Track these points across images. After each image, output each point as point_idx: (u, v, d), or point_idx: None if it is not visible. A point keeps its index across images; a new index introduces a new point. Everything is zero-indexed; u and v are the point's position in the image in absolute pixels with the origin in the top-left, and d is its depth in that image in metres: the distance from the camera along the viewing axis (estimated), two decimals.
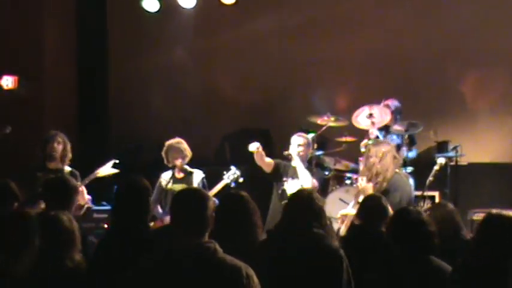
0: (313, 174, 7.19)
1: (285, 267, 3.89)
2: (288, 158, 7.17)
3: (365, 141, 7.99)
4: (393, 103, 8.44)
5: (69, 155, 6.81)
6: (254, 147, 7.00)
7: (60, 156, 6.74)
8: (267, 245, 4.07)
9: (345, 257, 3.95)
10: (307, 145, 7.19)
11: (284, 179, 7.12)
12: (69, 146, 6.82)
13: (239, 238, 3.97)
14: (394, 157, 6.32)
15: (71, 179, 5.42)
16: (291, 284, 3.87)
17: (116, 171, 7.04)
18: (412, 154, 8.34)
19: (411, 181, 6.94)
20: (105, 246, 4.22)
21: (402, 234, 3.95)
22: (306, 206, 4.08)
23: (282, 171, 7.15)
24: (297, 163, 7.07)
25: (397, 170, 6.40)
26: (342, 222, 6.21)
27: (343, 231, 6.10)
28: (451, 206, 5.14)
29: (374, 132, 8.01)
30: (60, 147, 6.73)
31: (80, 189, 6.26)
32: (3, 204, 4.48)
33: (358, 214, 5.00)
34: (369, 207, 4.93)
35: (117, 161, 7.03)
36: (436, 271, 3.82)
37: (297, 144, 7.13)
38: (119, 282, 3.26)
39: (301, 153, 7.12)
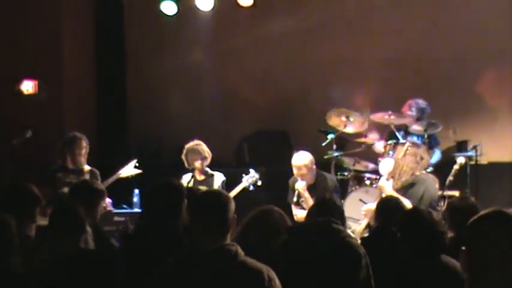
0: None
1: (305, 263, 3.90)
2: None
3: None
4: (417, 104, 8.26)
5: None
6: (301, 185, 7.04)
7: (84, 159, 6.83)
8: (288, 243, 4.08)
9: (365, 254, 3.95)
10: (307, 167, 7.07)
11: (302, 199, 7.13)
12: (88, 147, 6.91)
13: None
14: (421, 158, 6.27)
15: (98, 184, 5.47)
16: (310, 280, 3.88)
17: (138, 171, 7.08)
18: (434, 158, 8.17)
19: (437, 185, 6.85)
20: (139, 248, 4.09)
21: (412, 234, 3.95)
22: (325, 204, 4.32)
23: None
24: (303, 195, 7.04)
25: (423, 171, 6.37)
26: (365, 217, 6.20)
27: (361, 228, 6.13)
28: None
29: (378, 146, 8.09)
30: (83, 152, 6.80)
31: None
32: (26, 207, 4.53)
33: (375, 215, 5.00)
34: (385, 208, 4.92)
35: (137, 162, 7.08)
36: (447, 270, 3.80)
37: (296, 173, 7.10)
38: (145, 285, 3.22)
39: (306, 178, 7.09)
